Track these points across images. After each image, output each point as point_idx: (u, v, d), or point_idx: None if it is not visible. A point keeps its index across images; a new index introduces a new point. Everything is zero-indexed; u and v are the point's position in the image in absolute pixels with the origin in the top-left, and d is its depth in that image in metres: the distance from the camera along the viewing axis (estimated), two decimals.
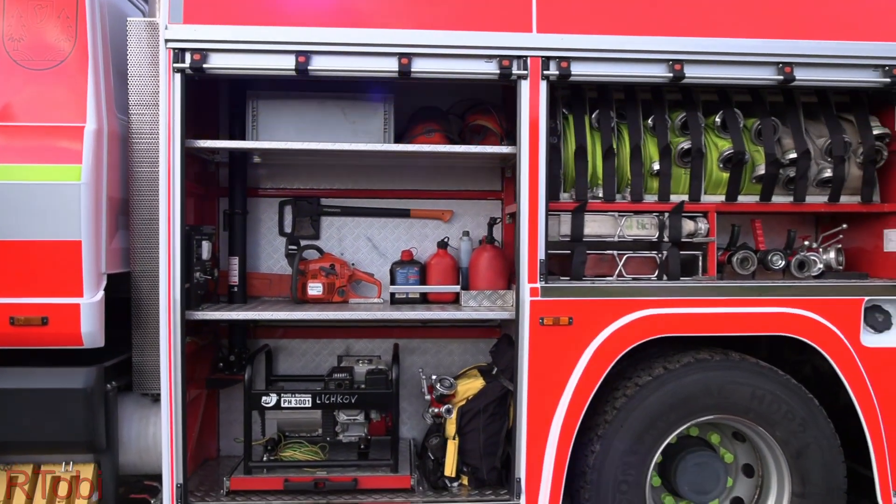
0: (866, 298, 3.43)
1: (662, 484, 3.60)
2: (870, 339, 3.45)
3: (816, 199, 3.67)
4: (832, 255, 3.66)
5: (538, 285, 3.28)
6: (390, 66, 3.25)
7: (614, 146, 3.52)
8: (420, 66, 3.27)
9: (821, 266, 3.60)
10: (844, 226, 3.70)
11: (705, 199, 3.59)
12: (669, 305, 3.35)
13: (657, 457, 3.49)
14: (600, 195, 3.54)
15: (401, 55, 3.25)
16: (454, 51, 3.27)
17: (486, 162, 3.88)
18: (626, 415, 3.33)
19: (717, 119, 3.58)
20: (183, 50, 3.18)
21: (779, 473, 3.49)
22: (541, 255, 3.28)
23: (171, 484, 3.22)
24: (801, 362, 3.74)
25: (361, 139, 3.57)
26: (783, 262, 3.53)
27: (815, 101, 3.70)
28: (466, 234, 3.96)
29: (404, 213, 4.06)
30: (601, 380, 3.31)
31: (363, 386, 3.56)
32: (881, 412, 3.42)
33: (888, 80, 3.41)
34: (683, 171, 3.58)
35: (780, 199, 3.65)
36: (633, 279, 3.50)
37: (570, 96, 3.61)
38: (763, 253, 3.57)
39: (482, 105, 3.82)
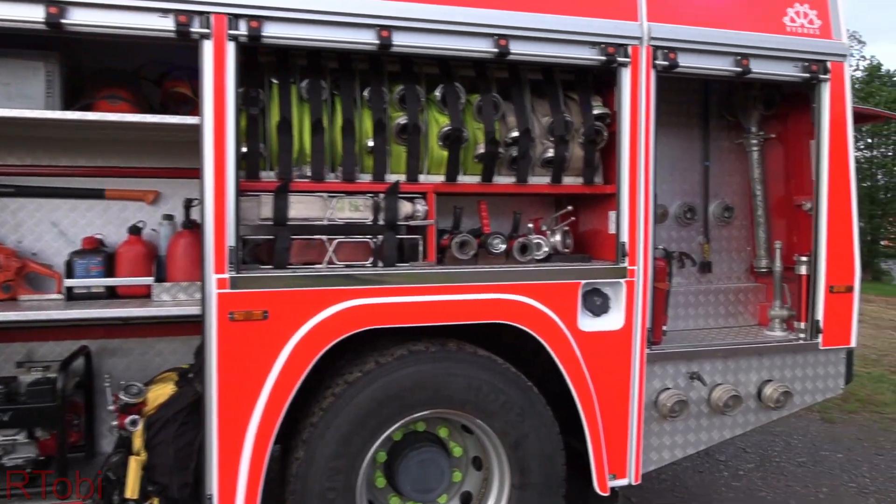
0: (583, 282, 3.36)
1: (389, 484, 3.35)
2: (588, 322, 3.39)
3: (544, 180, 3.55)
4: (558, 237, 3.57)
5: (226, 276, 2.88)
6: (36, 15, 2.69)
7: (325, 120, 3.18)
8: (77, 18, 2.73)
9: (546, 249, 3.49)
10: (570, 207, 3.62)
11: (425, 178, 3.35)
12: (378, 294, 3.07)
13: (381, 455, 3.26)
14: (309, 174, 3.19)
15: (49, 3, 2.69)
16: (121, 2, 2.77)
17: (195, 136, 3.40)
18: (333, 416, 3.03)
19: (438, 93, 3.34)
20: None
21: (500, 466, 3.35)
22: (230, 241, 2.88)
23: None
24: (540, 349, 3.64)
25: (17, 104, 2.97)
26: (504, 246, 3.37)
27: (542, 78, 3.57)
28: (169, 217, 3.47)
29: (98, 194, 3.49)
30: (301, 380, 2.98)
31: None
32: (597, 397, 3.37)
33: (604, 58, 3.33)
34: (404, 149, 3.32)
35: (507, 180, 3.50)
36: (346, 266, 3.19)
37: (277, 62, 3.22)
38: (485, 236, 3.40)
39: (177, 69, 3.34)
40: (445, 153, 3.33)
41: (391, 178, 3.28)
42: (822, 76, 3.70)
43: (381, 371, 3.11)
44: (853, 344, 3.88)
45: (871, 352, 10.54)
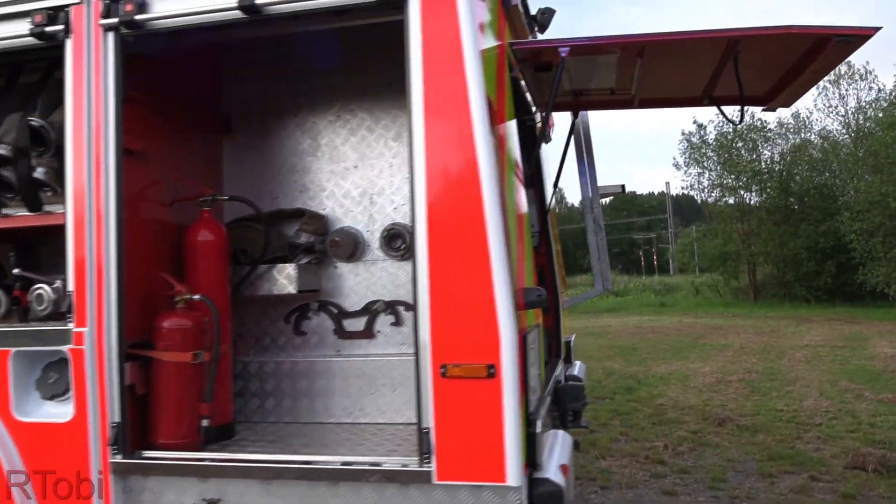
0: (13, 350, 2.34)
1: None
2: (34, 409, 2.35)
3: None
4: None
5: None
6: None
7: None
8: None
9: (48, 304, 2.51)
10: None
11: None
12: None
13: None
14: None
15: None
16: None
17: None
18: None
19: None
20: None
21: None
22: None
23: None
24: None
25: None
26: None
27: None
28: None
29: None
30: None
31: None
32: None
33: (33, 29, 2.36)
34: None
35: None
36: None
37: None
38: None
39: None
40: None
41: None
42: None
43: None
44: (512, 481, 1.92)
45: None
